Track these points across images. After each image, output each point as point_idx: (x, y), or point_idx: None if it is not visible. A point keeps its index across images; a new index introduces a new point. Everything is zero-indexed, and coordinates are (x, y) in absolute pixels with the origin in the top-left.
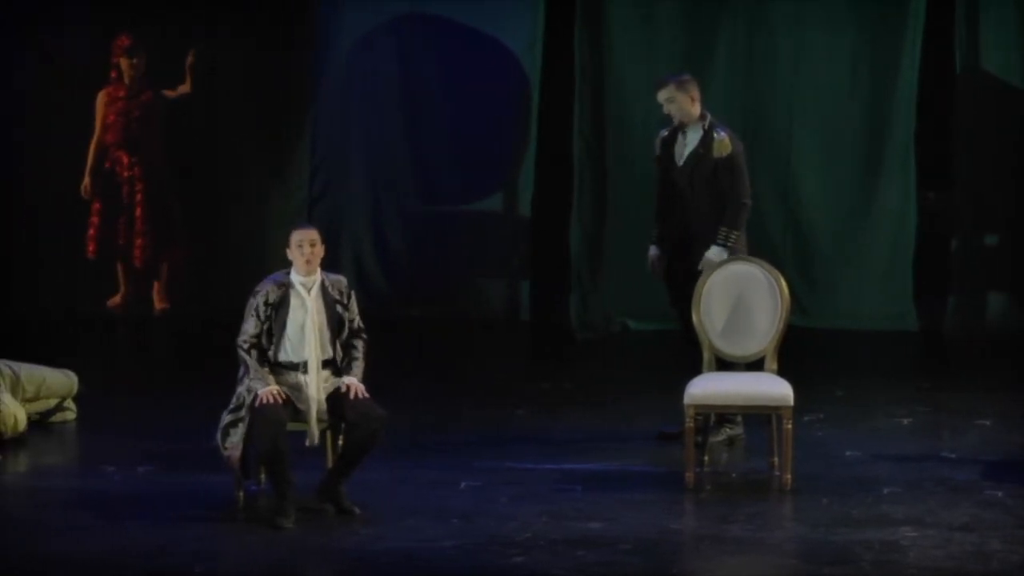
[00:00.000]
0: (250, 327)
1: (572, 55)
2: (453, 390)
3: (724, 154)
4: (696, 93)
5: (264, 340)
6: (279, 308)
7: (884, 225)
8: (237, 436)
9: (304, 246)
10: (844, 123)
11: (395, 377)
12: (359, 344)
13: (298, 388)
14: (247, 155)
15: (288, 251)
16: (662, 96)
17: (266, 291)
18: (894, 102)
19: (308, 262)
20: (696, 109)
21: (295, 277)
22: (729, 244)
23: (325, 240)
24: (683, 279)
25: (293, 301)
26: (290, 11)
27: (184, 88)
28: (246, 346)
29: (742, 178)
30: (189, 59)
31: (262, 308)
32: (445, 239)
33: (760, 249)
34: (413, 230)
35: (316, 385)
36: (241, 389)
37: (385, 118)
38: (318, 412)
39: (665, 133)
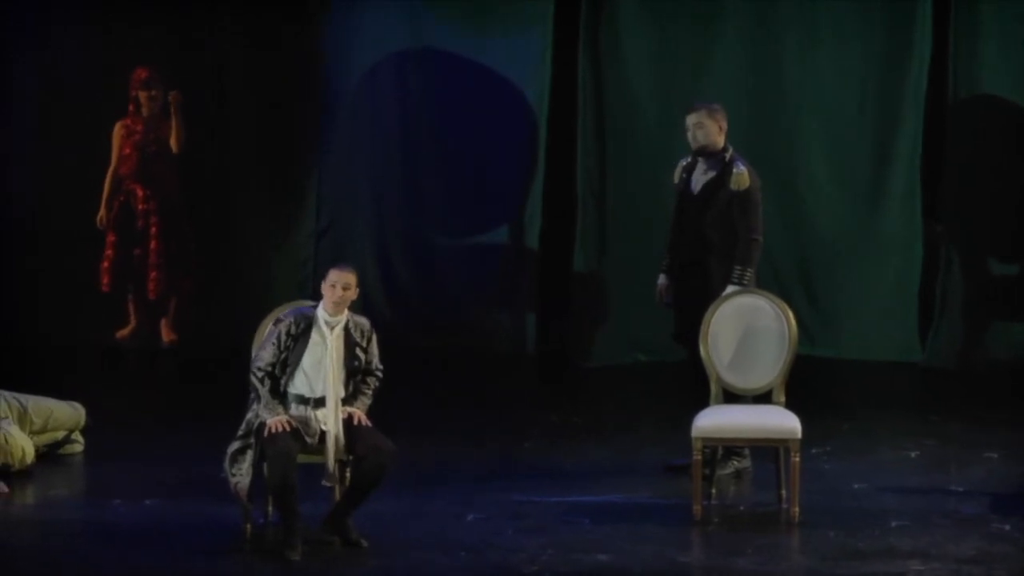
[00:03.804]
0: (267, 355)
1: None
2: (460, 422)
3: (741, 188)
4: (724, 124)
5: (278, 370)
6: (298, 340)
7: (890, 255)
8: (246, 464)
9: (337, 287)
10: (851, 152)
11: (401, 409)
12: (371, 381)
13: (306, 422)
14: (256, 188)
15: (323, 285)
16: (691, 120)
17: (289, 322)
18: (900, 131)
19: (336, 304)
20: (721, 140)
21: (321, 313)
22: (744, 282)
23: (360, 284)
24: (690, 309)
25: (314, 336)
26: (299, 46)
27: (174, 135)
28: (260, 374)
29: (756, 214)
30: (172, 98)
31: (284, 338)
32: (452, 272)
33: (766, 277)
34: (420, 263)
35: (335, 421)
36: (250, 415)
37: (392, 151)
38: (337, 449)
39: (686, 161)
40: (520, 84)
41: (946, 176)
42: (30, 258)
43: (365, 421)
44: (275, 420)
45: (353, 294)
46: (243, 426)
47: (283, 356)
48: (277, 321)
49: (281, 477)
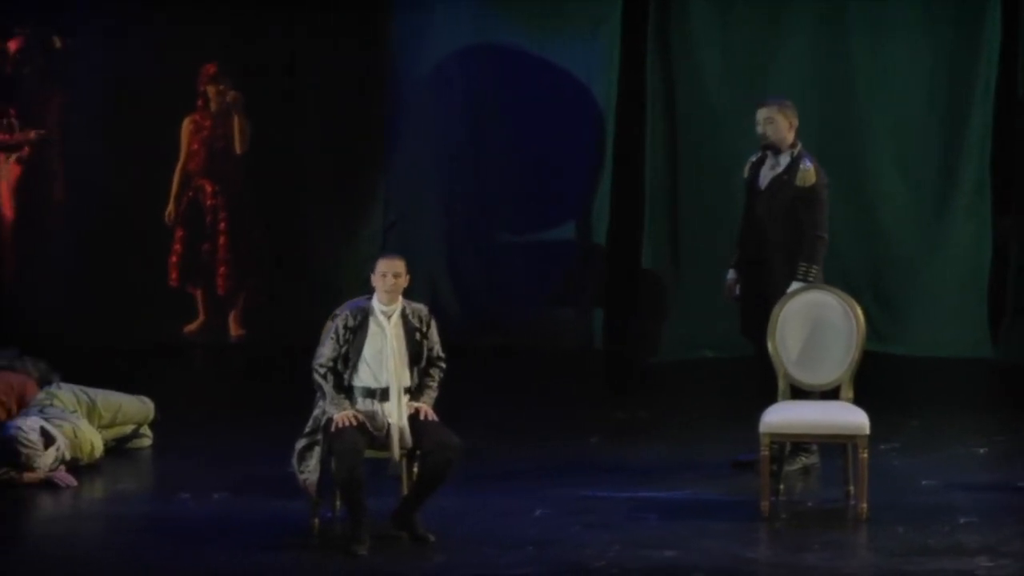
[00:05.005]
0: (327, 351)
1: (645, 82)
2: (527, 418)
3: (807, 184)
4: (795, 120)
5: (340, 365)
6: (357, 333)
7: (959, 251)
8: (314, 460)
9: (388, 276)
10: (919, 147)
11: (469, 405)
12: (435, 372)
13: (373, 415)
14: (323, 184)
15: (373, 277)
16: (761, 115)
17: (346, 315)
18: (969, 126)
19: (388, 292)
20: (791, 136)
21: (376, 304)
22: (809, 279)
23: (410, 271)
24: (756, 305)
25: (372, 327)
26: (367, 42)
27: (237, 135)
28: (322, 371)
29: (821, 211)
30: (232, 98)
31: (341, 332)
32: (519, 268)
33: (834, 273)
34: (487, 259)
35: (398, 412)
36: (317, 412)
37: (458, 147)
38: (401, 439)
39: (755, 158)
40: (587, 80)
41: (1016, 171)
42: (99, 253)
43: (432, 416)
44: (342, 415)
45: (404, 281)
46: (310, 423)
47: (344, 350)
48: (333, 317)
49: (348, 472)
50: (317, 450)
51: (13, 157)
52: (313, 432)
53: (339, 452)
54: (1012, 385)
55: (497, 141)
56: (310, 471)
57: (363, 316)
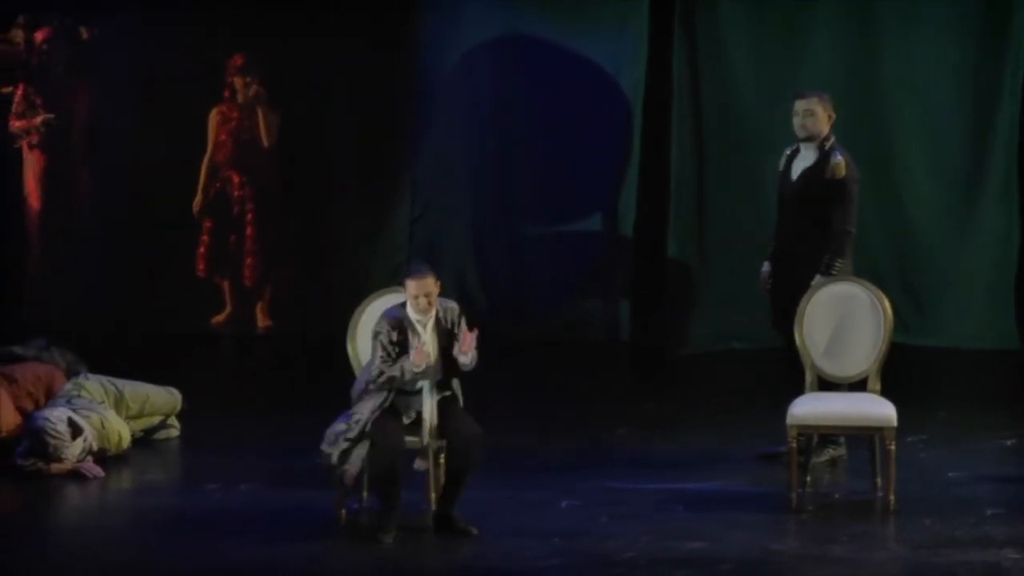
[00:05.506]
0: (379, 362)
1: (672, 75)
2: (554, 410)
3: (837, 177)
4: (833, 113)
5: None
6: (401, 345)
7: (987, 245)
8: (355, 456)
9: (420, 299)
10: (947, 143)
11: (496, 397)
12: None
13: (407, 405)
14: (351, 176)
15: (406, 296)
16: (801, 106)
17: (387, 331)
18: (997, 118)
19: (424, 311)
20: (827, 128)
21: (411, 313)
22: (833, 272)
23: (439, 277)
24: (786, 297)
25: (412, 340)
26: (393, 34)
27: (262, 128)
28: (376, 372)
29: (850, 205)
30: (254, 92)
31: (389, 347)
32: (546, 259)
33: (863, 266)
34: (514, 250)
35: (430, 405)
36: (357, 416)
37: (486, 139)
38: (430, 428)
39: (790, 150)
40: (615, 72)
41: None
42: (126, 243)
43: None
44: (417, 352)
45: (436, 291)
46: (353, 426)
47: (394, 358)
48: (375, 334)
49: (388, 465)
50: (358, 448)
51: (23, 142)
52: (358, 437)
53: (379, 445)
54: None
55: (524, 133)
56: (351, 463)
57: (402, 328)
